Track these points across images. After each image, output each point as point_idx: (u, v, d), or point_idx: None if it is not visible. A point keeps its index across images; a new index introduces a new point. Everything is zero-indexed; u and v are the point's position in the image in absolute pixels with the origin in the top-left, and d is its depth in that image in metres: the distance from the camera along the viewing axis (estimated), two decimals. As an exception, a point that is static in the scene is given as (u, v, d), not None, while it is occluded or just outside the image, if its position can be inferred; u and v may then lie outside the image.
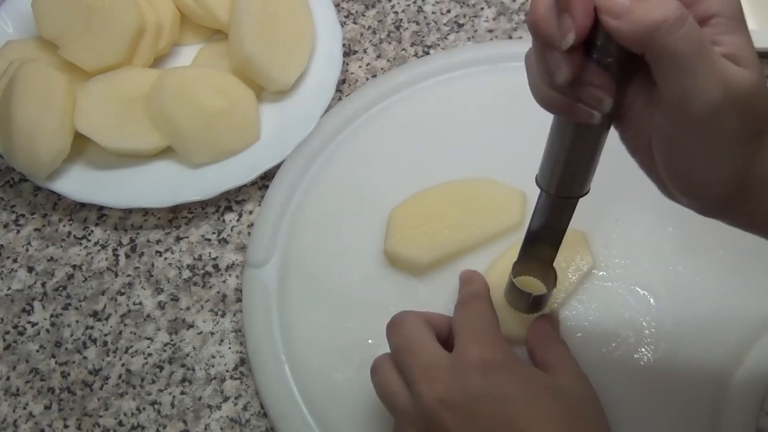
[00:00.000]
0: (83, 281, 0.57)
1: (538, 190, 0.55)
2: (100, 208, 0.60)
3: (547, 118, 0.58)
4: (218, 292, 0.56)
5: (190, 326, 0.55)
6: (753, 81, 0.31)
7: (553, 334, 0.48)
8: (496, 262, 0.52)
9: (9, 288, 0.57)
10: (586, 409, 0.42)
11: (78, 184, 0.58)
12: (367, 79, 0.64)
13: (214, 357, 0.54)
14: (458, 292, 0.49)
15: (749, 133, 0.32)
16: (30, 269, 0.58)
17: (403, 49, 0.65)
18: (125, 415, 0.52)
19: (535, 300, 0.48)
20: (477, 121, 0.59)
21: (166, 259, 0.57)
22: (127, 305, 0.56)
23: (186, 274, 0.57)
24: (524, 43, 0.64)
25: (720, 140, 0.31)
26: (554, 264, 0.47)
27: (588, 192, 0.39)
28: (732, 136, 0.31)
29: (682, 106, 0.31)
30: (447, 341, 0.43)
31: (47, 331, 0.55)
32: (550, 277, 0.47)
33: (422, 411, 0.39)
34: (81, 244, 0.59)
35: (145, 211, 0.59)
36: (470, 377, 0.39)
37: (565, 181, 0.39)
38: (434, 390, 0.39)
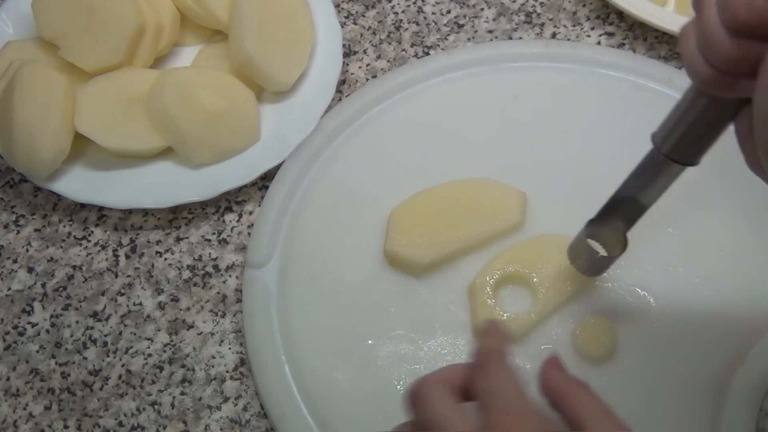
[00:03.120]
0: (83, 282, 0.57)
1: (538, 191, 0.56)
2: (100, 208, 0.60)
3: (545, 120, 0.59)
4: (218, 293, 0.56)
5: (190, 327, 0.55)
6: None
7: (574, 381, 0.41)
8: (496, 262, 0.52)
9: (9, 288, 0.57)
10: None
11: (78, 184, 0.58)
12: (367, 79, 0.64)
13: (214, 357, 0.54)
14: (476, 343, 0.43)
15: None
16: (30, 270, 0.58)
17: (403, 50, 0.65)
18: (125, 415, 0.52)
19: (600, 261, 0.48)
20: (477, 121, 0.59)
21: (166, 259, 0.57)
22: (127, 306, 0.56)
23: (186, 274, 0.57)
24: (524, 44, 0.64)
25: None
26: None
27: (696, 164, 0.38)
28: None
29: None
30: (467, 391, 0.40)
31: (47, 331, 0.55)
32: (618, 246, 0.46)
33: None
34: (81, 244, 0.59)
35: (145, 212, 0.59)
36: None
37: (683, 142, 0.37)
38: None
